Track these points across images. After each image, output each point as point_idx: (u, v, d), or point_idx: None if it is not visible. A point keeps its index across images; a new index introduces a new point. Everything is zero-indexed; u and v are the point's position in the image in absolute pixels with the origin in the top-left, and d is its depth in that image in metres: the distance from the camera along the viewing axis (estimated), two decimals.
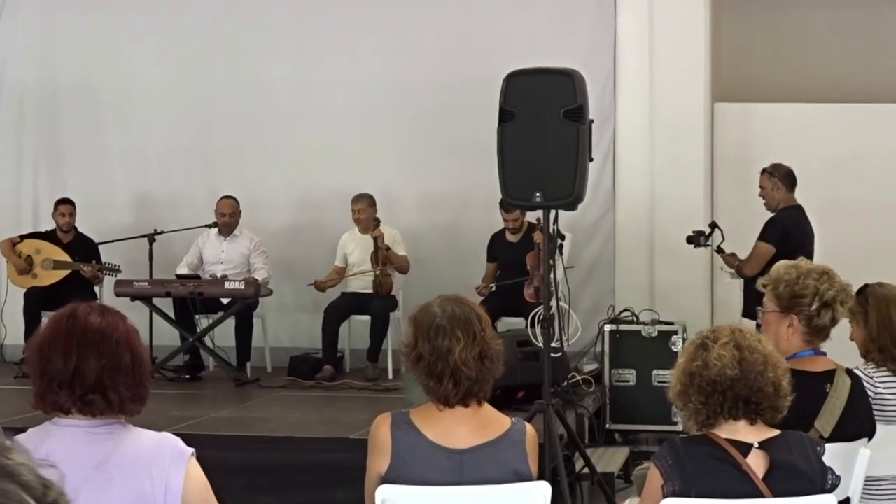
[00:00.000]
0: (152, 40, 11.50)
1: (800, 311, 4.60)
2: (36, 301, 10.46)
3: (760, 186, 9.35)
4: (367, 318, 10.36)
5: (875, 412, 4.76)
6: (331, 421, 8.54)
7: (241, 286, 10.11)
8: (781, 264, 4.76)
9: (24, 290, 10.68)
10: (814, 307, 4.56)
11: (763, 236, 9.17)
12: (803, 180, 9.35)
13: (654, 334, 9.47)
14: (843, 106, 10.80)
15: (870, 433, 4.63)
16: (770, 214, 9.32)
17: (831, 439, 4.37)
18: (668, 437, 3.91)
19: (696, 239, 9.53)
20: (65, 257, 10.66)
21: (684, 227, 9.83)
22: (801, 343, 4.61)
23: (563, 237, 8.45)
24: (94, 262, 10.64)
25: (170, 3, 11.53)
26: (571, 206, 7.26)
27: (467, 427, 3.91)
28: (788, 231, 9.09)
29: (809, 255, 8.31)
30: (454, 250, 11.03)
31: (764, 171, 9.35)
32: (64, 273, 10.59)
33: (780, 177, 9.26)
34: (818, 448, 3.76)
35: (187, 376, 10.27)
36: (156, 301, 10.26)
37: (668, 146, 10.59)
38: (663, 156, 10.61)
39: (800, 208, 9.26)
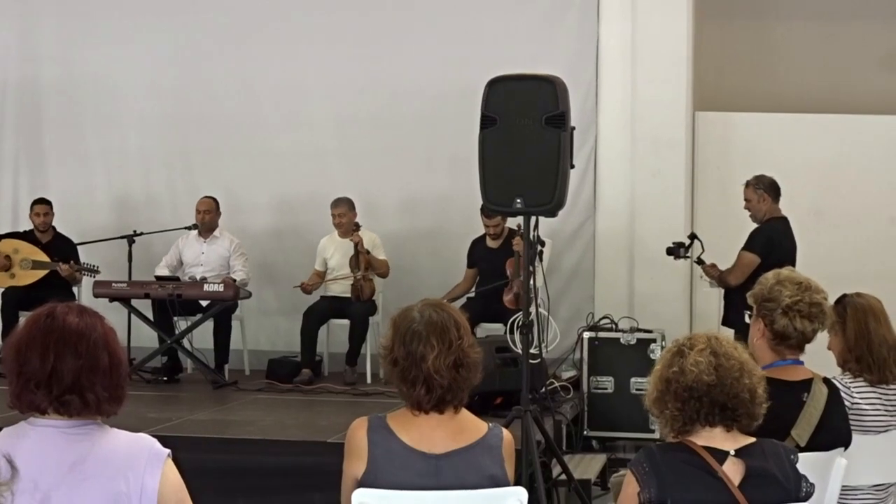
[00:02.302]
0: (134, 41, 11.47)
1: (765, 316, 4.63)
2: (13, 301, 10.42)
3: (746, 199, 9.34)
4: (346, 321, 10.36)
5: (851, 422, 4.77)
6: (308, 424, 8.53)
7: (221, 288, 10.10)
8: (774, 270, 4.78)
9: (2, 290, 10.64)
10: (776, 312, 4.59)
11: (748, 246, 9.18)
12: (783, 190, 9.37)
13: (633, 342, 9.48)
14: (823, 116, 10.85)
15: (846, 442, 4.64)
16: (752, 225, 9.34)
17: (808, 448, 4.38)
18: (644, 445, 3.90)
19: (675, 250, 9.56)
20: (43, 257, 10.62)
21: (665, 235, 9.86)
22: (769, 350, 4.63)
23: (543, 243, 8.45)
24: (71, 261, 10.60)
25: (152, 4, 11.50)
26: (552, 213, 7.27)
27: (444, 432, 3.91)
28: (773, 241, 9.11)
29: (792, 267, 8.33)
30: (434, 255, 11.03)
31: (748, 183, 9.34)
32: (42, 273, 10.55)
33: (765, 188, 9.27)
34: (792, 456, 3.77)
35: (165, 378, 10.26)
36: (134, 302, 10.24)
37: (650, 155, 10.62)
38: (644, 164, 10.64)
39: (785, 220, 9.28)
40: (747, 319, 4.86)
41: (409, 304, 4.01)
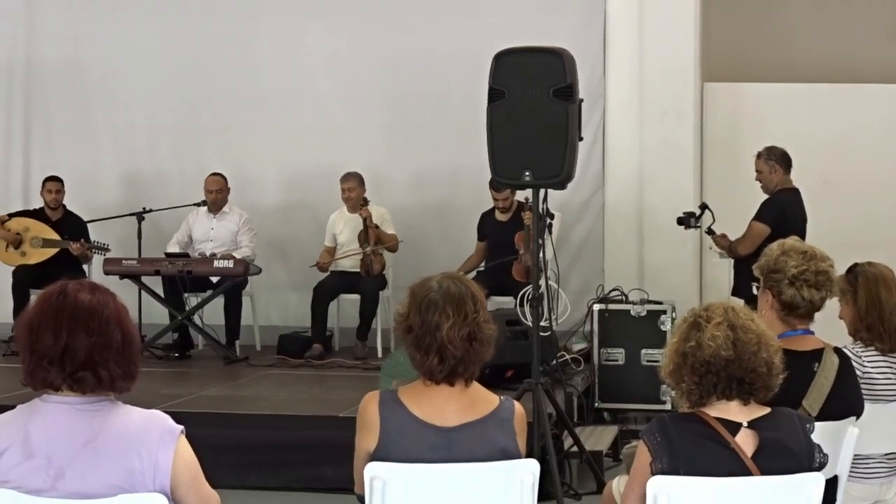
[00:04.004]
0: (141, 19, 11.45)
1: (773, 287, 4.63)
2: (24, 279, 10.44)
3: (757, 170, 9.31)
4: (356, 296, 10.36)
5: (863, 391, 4.76)
6: (320, 399, 8.55)
7: (231, 264, 10.11)
8: (779, 241, 4.78)
9: (13, 268, 10.66)
10: (783, 283, 4.58)
11: (759, 216, 9.16)
12: (792, 160, 9.35)
13: (643, 314, 9.48)
14: (832, 86, 10.82)
15: (858, 412, 4.64)
16: (760, 196, 9.32)
17: (819, 418, 4.37)
18: (656, 416, 3.89)
19: (686, 220, 9.54)
20: (53, 235, 10.63)
21: (673, 206, 9.84)
22: (779, 321, 4.62)
23: (552, 216, 8.44)
24: (82, 240, 10.61)
25: None
26: (561, 186, 7.26)
27: (455, 405, 3.91)
28: (785, 212, 9.08)
29: (802, 238, 8.31)
30: (444, 229, 11.03)
31: (759, 154, 9.32)
32: (52, 251, 10.57)
33: (777, 159, 9.25)
34: (808, 426, 3.77)
35: (176, 354, 10.29)
36: (145, 279, 10.26)
37: (658, 126, 10.57)
38: (653, 136, 10.59)
39: (796, 191, 9.26)
40: (755, 291, 4.86)
41: (428, 276, 4.02)
